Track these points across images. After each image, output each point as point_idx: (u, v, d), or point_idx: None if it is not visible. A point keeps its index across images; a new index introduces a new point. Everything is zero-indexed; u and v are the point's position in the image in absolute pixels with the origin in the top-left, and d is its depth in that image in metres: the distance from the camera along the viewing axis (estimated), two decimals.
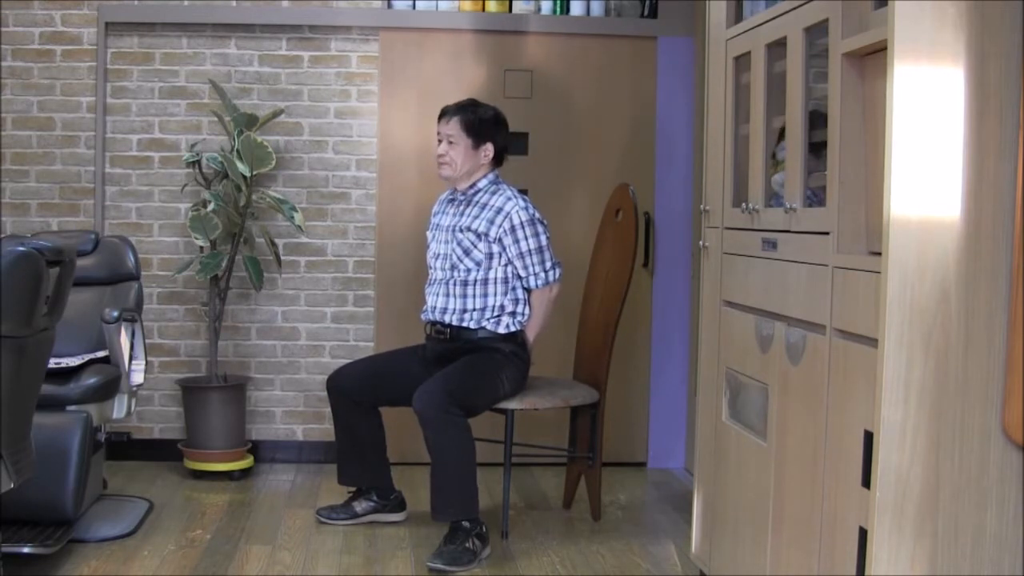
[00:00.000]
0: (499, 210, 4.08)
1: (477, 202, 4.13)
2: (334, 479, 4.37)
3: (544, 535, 4.21)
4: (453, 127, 4.12)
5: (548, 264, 4.12)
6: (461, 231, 4.10)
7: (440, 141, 4.16)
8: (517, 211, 4.08)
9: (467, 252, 4.08)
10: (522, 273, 4.10)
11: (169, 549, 3.89)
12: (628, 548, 4.07)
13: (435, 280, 4.19)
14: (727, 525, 3.22)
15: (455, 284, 4.10)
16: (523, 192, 4.25)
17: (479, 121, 4.12)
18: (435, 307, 4.15)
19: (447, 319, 4.12)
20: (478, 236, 4.07)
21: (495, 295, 4.08)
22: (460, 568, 3.79)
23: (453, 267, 4.11)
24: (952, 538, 2.23)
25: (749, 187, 3.09)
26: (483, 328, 4.09)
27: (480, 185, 4.14)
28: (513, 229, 4.06)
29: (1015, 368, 2.18)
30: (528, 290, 4.14)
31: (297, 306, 5.26)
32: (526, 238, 4.07)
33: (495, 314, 4.08)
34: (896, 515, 2.22)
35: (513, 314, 4.11)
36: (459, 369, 4.00)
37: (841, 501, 2.46)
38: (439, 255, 4.17)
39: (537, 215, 4.12)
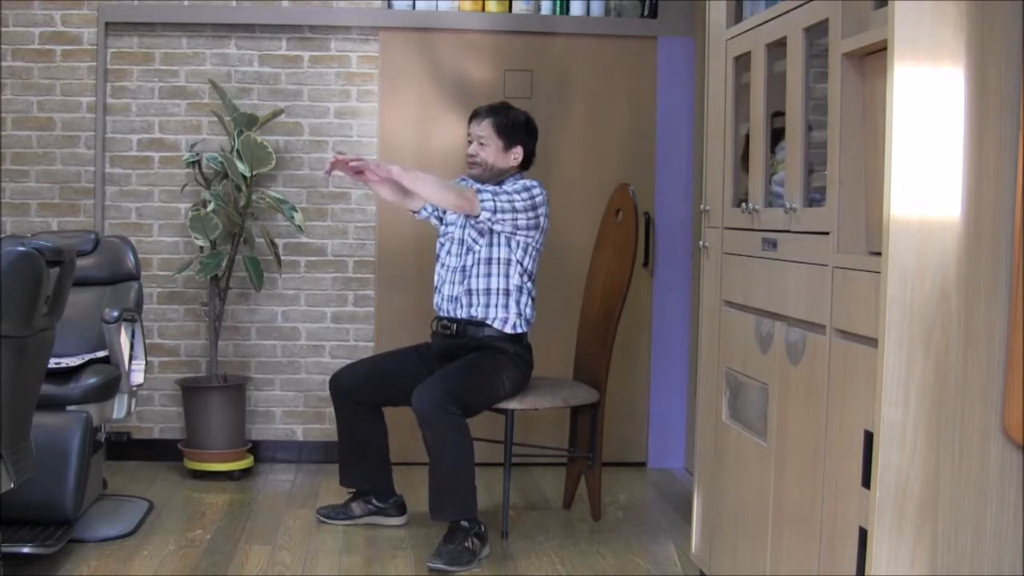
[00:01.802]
0: (516, 181, 4.13)
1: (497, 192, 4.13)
2: (334, 479, 4.37)
3: (544, 535, 4.21)
4: (485, 128, 4.14)
5: (497, 200, 4.01)
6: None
7: (471, 142, 4.17)
8: (524, 180, 4.14)
9: (480, 233, 4.09)
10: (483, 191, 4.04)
11: (169, 549, 3.89)
12: (628, 548, 4.07)
13: (449, 268, 4.17)
14: (727, 525, 3.22)
15: (467, 268, 4.10)
16: None
17: (511, 124, 4.15)
18: (448, 295, 4.15)
19: (456, 312, 4.12)
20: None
21: (498, 276, 4.07)
22: (460, 568, 3.79)
23: (469, 251, 4.11)
24: (952, 538, 2.23)
25: (749, 187, 3.10)
26: (489, 326, 4.08)
27: (507, 182, 4.16)
28: (527, 188, 4.08)
29: (1015, 368, 2.18)
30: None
31: (297, 306, 5.27)
32: (512, 185, 4.09)
33: (501, 303, 4.07)
34: (896, 515, 2.22)
35: (519, 313, 4.10)
36: (459, 368, 4.00)
37: (841, 501, 2.46)
38: (456, 241, 4.17)
39: (536, 191, 4.09)
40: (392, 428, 4.36)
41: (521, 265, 4.12)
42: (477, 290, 4.09)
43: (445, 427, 3.85)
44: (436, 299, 4.23)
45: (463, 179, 4.32)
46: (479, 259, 4.09)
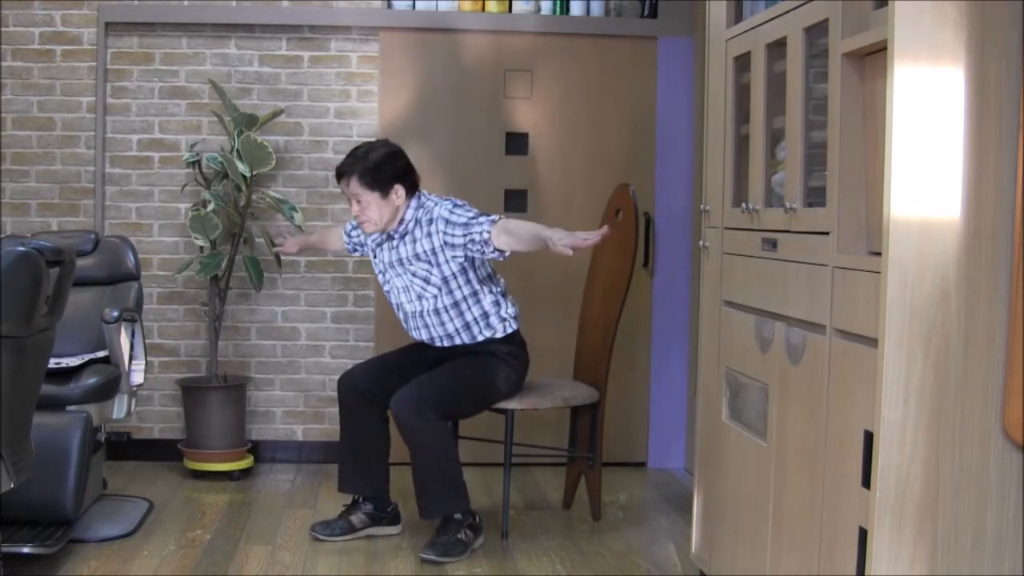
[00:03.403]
0: (430, 221, 3.95)
1: (410, 231, 4.00)
2: (334, 479, 4.35)
3: (544, 535, 4.20)
4: (355, 187, 3.94)
5: (486, 218, 3.90)
6: (410, 262, 4.00)
7: (350, 201, 4.02)
8: (440, 209, 3.96)
9: (427, 280, 3.99)
10: (469, 239, 3.86)
11: (169, 549, 3.90)
12: (628, 548, 4.07)
13: (409, 313, 4.10)
14: (727, 525, 3.22)
15: (429, 314, 4.04)
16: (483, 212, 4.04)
17: (375, 170, 3.93)
18: (422, 339, 4.12)
19: (438, 344, 4.10)
20: (427, 261, 3.96)
21: (470, 310, 4.01)
22: (452, 559, 3.81)
23: (420, 297, 4.03)
24: (952, 538, 2.23)
25: (749, 187, 3.10)
26: (481, 335, 4.06)
27: (407, 217, 4.00)
28: (448, 223, 3.91)
29: (1015, 368, 2.18)
30: (488, 243, 3.84)
31: (297, 306, 5.26)
32: (460, 216, 3.92)
33: (483, 324, 4.04)
34: (896, 515, 2.22)
35: (503, 319, 4.06)
36: (442, 375, 4.00)
37: (841, 501, 2.46)
38: (401, 289, 4.08)
39: (456, 200, 4.01)
40: (394, 427, 4.35)
41: (484, 286, 4.03)
42: (457, 330, 4.04)
43: (421, 431, 3.86)
44: (411, 338, 4.18)
45: (354, 226, 4.26)
46: (445, 305, 4.00)
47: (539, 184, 5.28)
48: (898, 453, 2.22)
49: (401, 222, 4.00)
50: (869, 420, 2.30)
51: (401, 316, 4.16)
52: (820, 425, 2.57)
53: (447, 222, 3.91)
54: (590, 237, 3.70)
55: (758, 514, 2.94)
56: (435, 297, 4.00)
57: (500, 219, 3.89)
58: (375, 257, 4.16)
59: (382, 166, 3.95)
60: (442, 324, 4.04)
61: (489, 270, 4.08)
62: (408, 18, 5.22)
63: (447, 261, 3.94)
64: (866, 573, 2.28)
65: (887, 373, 2.21)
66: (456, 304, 4.00)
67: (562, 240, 3.69)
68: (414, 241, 3.98)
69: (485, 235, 3.83)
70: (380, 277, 4.16)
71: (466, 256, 3.93)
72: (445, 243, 3.92)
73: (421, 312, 4.05)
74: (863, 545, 2.32)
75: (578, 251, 3.72)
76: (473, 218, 3.89)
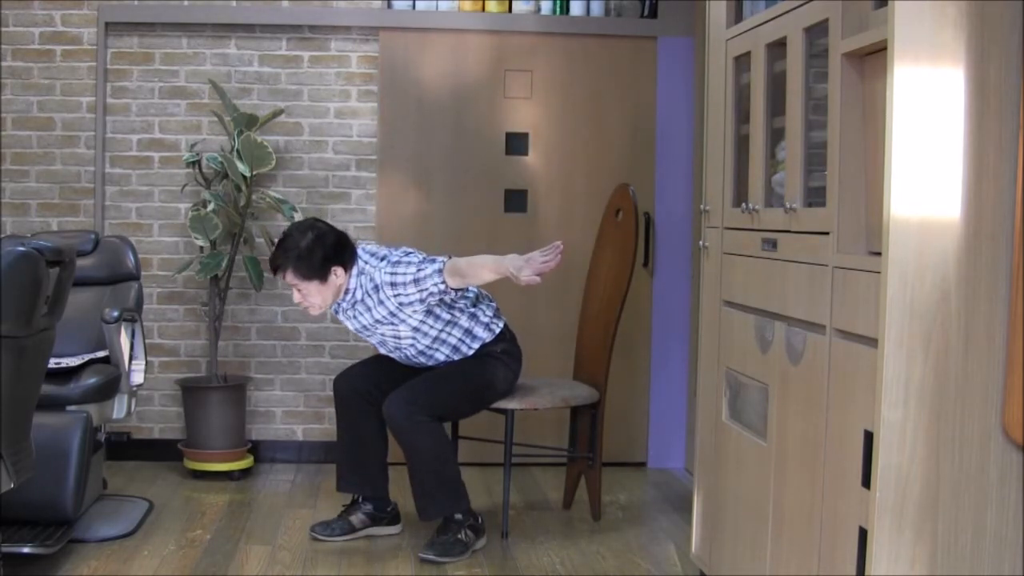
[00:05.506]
0: (376, 288, 3.88)
1: (361, 300, 3.94)
2: (334, 479, 4.36)
3: (544, 535, 4.20)
4: (292, 279, 3.87)
5: (432, 263, 3.84)
6: (375, 325, 3.97)
7: (291, 288, 3.98)
8: (380, 274, 3.86)
9: (398, 336, 3.98)
10: (427, 293, 3.80)
11: (169, 549, 3.90)
12: (628, 548, 4.07)
13: (397, 358, 4.12)
14: (727, 525, 3.22)
15: (414, 356, 4.05)
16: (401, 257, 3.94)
17: (308, 258, 3.84)
18: (417, 368, 4.12)
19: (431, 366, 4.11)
20: (390, 323, 3.92)
21: (451, 335, 3.99)
22: (451, 559, 3.81)
23: (398, 348, 4.04)
24: (952, 538, 2.23)
25: (749, 187, 3.10)
26: (471, 349, 4.06)
27: (351, 286, 3.94)
28: (394, 285, 3.85)
29: (1015, 368, 2.18)
30: (446, 291, 3.81)
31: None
32: (404, 275, 3.83)
33: (469, 340, 4.02)
34: (896, 515, 2.22)
35: (486, 324, 4.04)
36: (437, 377, 3.99)
37: (841, 501, 2.46)
38: (378, 344, 4.09)
39: (392, 257, 3.91)
40: None
41: (455, 310, 3.97)
42: (448, 355, 4.03)
43: (412, 433, 3.86)
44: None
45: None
46: (427, 344, 3.98)
47: (539, 184, 5.28)
48: (898, 453, 2.22)
49: (347, 292, 3.94)
50: (869, 420, 2.30)
51: (394, 358, 4.16)
52: (820, 425, 2.57)
53: (392, 285, 3.83)
54: (548, 259, 3.72)
55: (758, 514, 2.94)
56: (411, 345, 4.00)
57: (447, 262, 3.81)
58: (342, 321, 4.12)
59: (313, 251, 3.84)
60: (431, 357, 4.04)
61: (455, 297, 3.94)
62: (408, 18, 5.22)
63: (410, 316, 3.90)
64: (866, 573, 2.28)
65: (887, 373, 2.21)
66: (436, 339, 3.99)
67: (522, 271, 3.70)
68: (368, 309, 3.92)
69: (440, 286, 3.78)
70: (356, 334, 4.14)
71: (428, 305, 3.89)
72: (401, 304, 3.86)
73: (406, 356, 4.07)
74: (863, 545, 2.32)
75: (545, 276, 3.73)
76: (419, 271, 3.81)
